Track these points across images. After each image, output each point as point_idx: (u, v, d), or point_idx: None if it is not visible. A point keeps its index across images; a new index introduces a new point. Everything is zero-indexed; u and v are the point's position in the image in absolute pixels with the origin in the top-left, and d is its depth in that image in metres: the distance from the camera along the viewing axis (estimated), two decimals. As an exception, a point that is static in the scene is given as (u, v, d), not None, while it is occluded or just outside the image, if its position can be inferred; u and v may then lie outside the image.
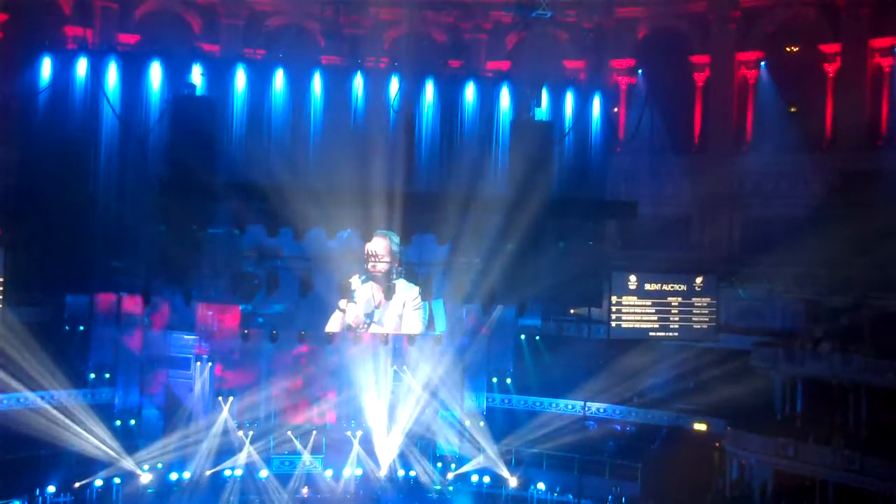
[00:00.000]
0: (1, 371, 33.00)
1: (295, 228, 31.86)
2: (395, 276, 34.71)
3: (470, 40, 43.98)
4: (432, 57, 41.65)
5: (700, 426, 37.07)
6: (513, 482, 37.85)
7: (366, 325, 34.99)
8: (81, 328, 36.51)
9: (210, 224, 32.13)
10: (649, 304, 35.72)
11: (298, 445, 37.66)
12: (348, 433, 38.23)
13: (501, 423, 39.57)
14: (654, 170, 41.47)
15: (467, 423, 39.07)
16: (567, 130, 36.06)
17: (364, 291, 34.63)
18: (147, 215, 31.56)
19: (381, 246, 34.13)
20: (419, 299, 35.12)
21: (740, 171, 41.45)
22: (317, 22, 42.03)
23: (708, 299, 35.98)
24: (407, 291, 35.02)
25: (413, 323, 35.37)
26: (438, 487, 38.13)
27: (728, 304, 37.53)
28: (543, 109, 35.31)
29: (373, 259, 34.21)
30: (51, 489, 33.65)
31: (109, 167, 32.39)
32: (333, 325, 34.74)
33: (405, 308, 35.05)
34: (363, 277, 34.38)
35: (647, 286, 35.67)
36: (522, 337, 40.59)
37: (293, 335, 35.71)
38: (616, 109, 42.94)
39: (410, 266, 34.92)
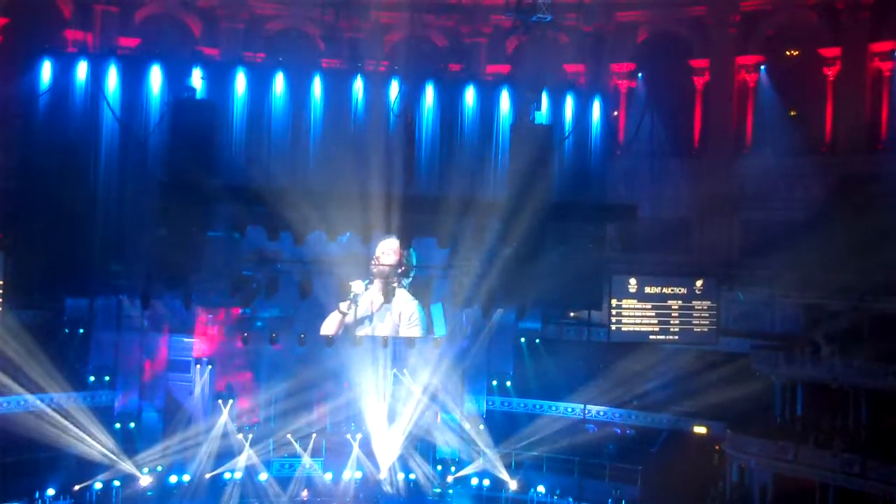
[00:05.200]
0: (1, 374, 33.04)
1: (295, 232, 31.68)
2: (398, 281, 34.56)
3: (470, 44, 43.91)
4: (432, 60, 41.65)
5: (700, 429, 37.09)
6: (513, 485, 37.88)
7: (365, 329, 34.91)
8: (81, 331, 36.56)
9: (210, 227, 31.95)
10: (649, 307, 35.76)
11: (298, 448, 37.69)
12: (348, 436, 38.25)
13: (501, 426, 39.58)
14: (653, 173, 41.33)
15: (467, 425, 39.08)
16: (567, 134, 35.99)
17: (366, 295, 34.53)
18: (147, 218, 31.48)
19: (391, 247, 34.03)
20: (416, 315, 34.87)
21: (740, 174, 41.34)
22: (317, 25, 41.92)
23: (708, 302, 36.03)
24: (405, 304, 34.79)
25: (409, 335, 35.27)
26: (438, 490, 38.13)
27: (728, 308, 37.58)
28: (543, 113, 35.21)
29: (384, 255, 34.05)
30: (50, 492, 33.74)
31: (109, 170, 32.27)
32: (329, 327, 34.64)
33: (401, 320, 34.86)
34: (366, 281, 34.32)
35: (647, 289, 35.74)
36: (522, 340, 40.62)
37: (293, 338, 35.70)
38: (616, 113, 42.86)
39: (417, 274, 34.78)
